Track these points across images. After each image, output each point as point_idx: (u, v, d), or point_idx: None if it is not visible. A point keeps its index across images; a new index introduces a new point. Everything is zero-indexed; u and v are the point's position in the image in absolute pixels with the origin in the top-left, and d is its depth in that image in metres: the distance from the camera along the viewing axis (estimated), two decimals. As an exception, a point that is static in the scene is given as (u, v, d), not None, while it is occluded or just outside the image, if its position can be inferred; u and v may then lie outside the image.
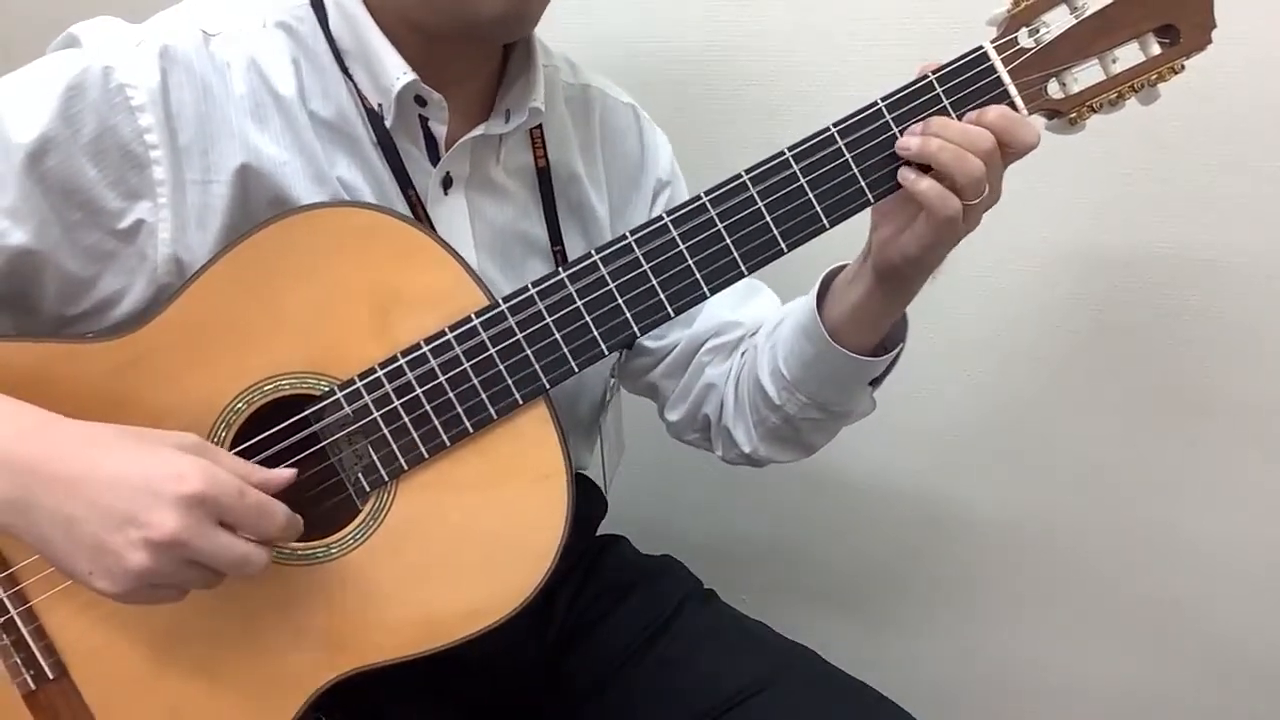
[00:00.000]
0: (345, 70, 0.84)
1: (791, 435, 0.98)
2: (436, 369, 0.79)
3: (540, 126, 0.92)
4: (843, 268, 0.90)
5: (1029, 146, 0.78)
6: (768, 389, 0.95)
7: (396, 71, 0.82)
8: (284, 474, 0.76)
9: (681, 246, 0.79)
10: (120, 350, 0.78)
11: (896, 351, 0.92)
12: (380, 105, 0.84)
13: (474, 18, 0.80)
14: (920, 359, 1.24)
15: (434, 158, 0.88)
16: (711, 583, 1.08)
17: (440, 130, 0.86)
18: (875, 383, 0.94)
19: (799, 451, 1.01)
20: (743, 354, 1.00)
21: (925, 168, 0.78)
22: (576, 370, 0.80)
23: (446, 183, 0.88)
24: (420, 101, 0.84)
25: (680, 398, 1.05)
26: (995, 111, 0.77)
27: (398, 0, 0.82)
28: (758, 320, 1.01)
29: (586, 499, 1.11)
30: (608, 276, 0.79)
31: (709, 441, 1.05)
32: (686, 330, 1.02)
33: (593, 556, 1.08)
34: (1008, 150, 0.78)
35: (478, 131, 0.87)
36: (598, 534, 1.12)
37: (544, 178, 0.93)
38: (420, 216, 0.86)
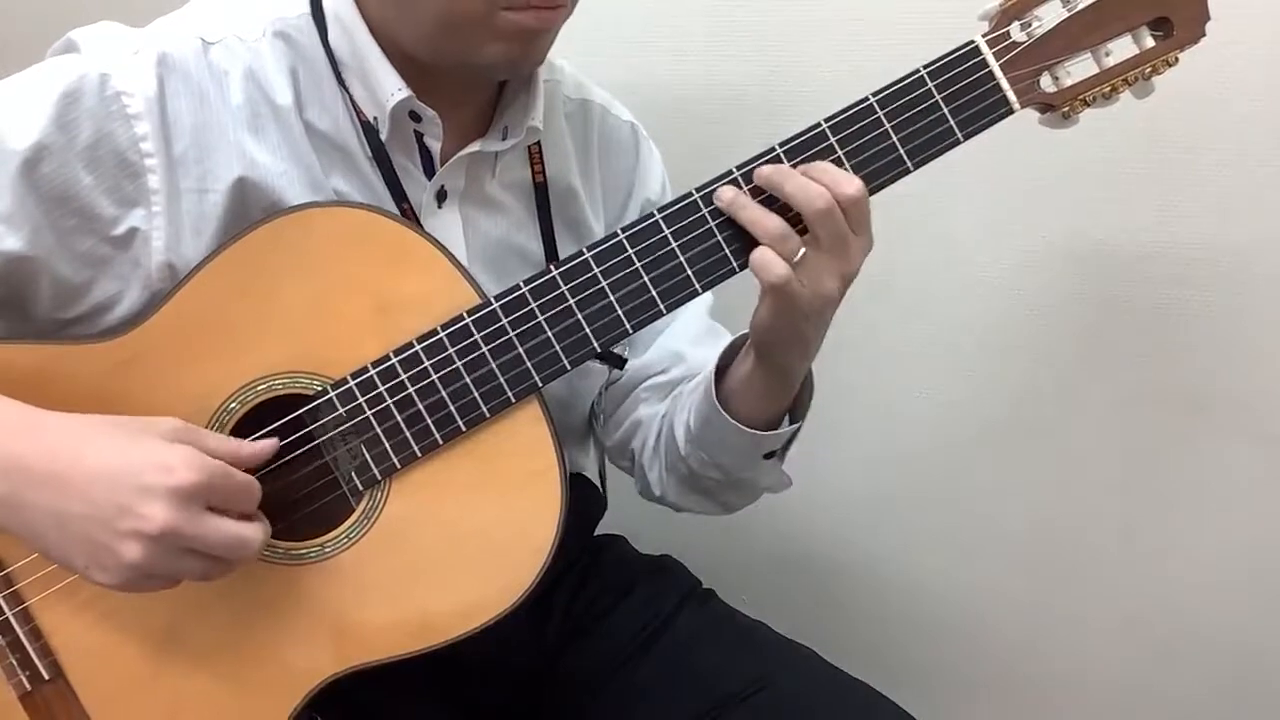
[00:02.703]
0: (342, 83, 0.84)
1: (699, 488, 0.98)
2: (429, 368, 0.79)
3: (539, 142, 0.92)
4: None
5: (849, 198, 0.77)
6: (678, 439, 0.95)
7: (392, 88, 0.82)
8: (268, 444, 0.77)
9: (673, 244, 0.79)
10: (114, 351, 0.78)
11: (792, 430, 0.91)
12: (375, 119, 0.84)
13: (478, 63, 0.80)
14: (917, 359, 1.24)
15: (429, 172, 0.88)
16: (711, 583, 1.08)
17: (435, 146, 0.86)
18: (779, 455, 0.94)
19: (712, 505, 1.00)
20: (674, 397, 1.00)
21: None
22: (569, 368, 0.80)
23: (441, 196, 0.88)
24: (415, 118, 0.85)
25: (615, 425, 1.04)
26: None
27: (400, 35, 0.82)
28: (705, 363, 0.98)
29: (585, 499, 1.11)
30: (600, 274, 0.79)
31: (634, 474, 1.06)
32: (637, 360, 1.01)
33: (591, 556, 1.08)
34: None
35: (474, 148, 0.87)
36: (596, 534, 1.12)
37: (541, 193, 0.93)
38: None
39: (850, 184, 0.76)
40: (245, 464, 0.75)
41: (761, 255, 0.77)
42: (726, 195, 0.78)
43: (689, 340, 1.01)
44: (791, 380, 0.87)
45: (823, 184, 0.76)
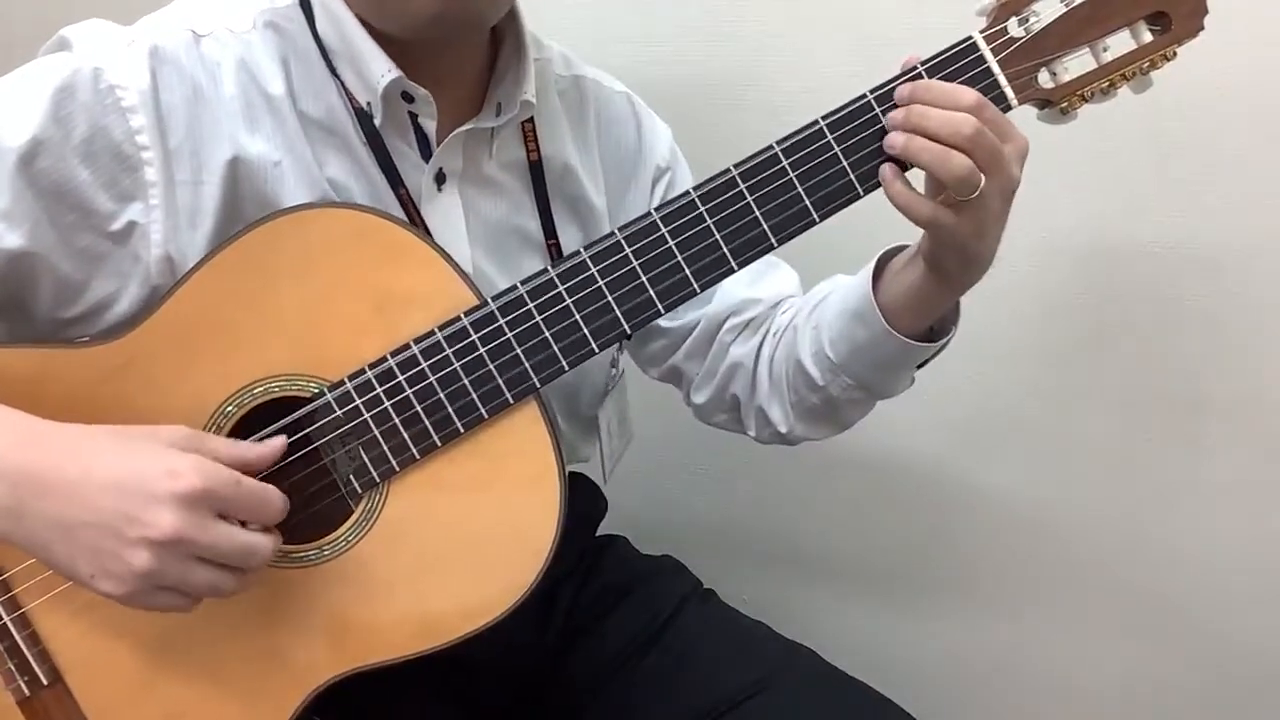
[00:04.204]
0: (333, 70, 0.84)
1: (829, 414, 0.97)
2: (427, 369, 0.78)
3: (532, 120, 0.92)
4: (898, 250, 0.89)
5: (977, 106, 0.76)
6: (810, 370, 0.94)
7: (381, 69, 0.82)
8: (275, 443, 0.77)
9: (671, 243, 0.79)
10: (110, 355, 0.78)
11: (948, 337, 0.91)
12: (369, 104, 0.84)
13: (411, 20, 0.80)
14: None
15: (426, 154, 0.88)
16: (711, 583, 1.08)
17: (430, 126, 0.86)
18: (921, 364, 0.94)
19: (834, 428, 1.00)
20: (774, 333, 1.00)
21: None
22: (567, 369, 0.80)
23: (440, 179, 0.88)
24: (408, 98, 0.84)
25: (706, 379, 1.04)
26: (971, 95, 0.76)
27: (357, 9, 0.82)
28: (776, 295, 1.01)
29: (586, 499, 1.11)
30: (597, 275, 0.79)
31: (739, 422, 1.05)
32: (704, 309, 1.01)
33: (593, 556, 1.08)
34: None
35: (469, 125, 0.87)
36: (598, 534, 1.12)
37: (536, 172, 0.93)
38: (412, 214, 0.86)
39: (968, 95, 0.76)
40: (254, 466, 0.75)
41: (906, 196, 0.77)
42: (899, 140, 0.77)
43: (747, 283, 1.00)
44: (958, 292, 0.86)
45: (958, 107, 0.75)
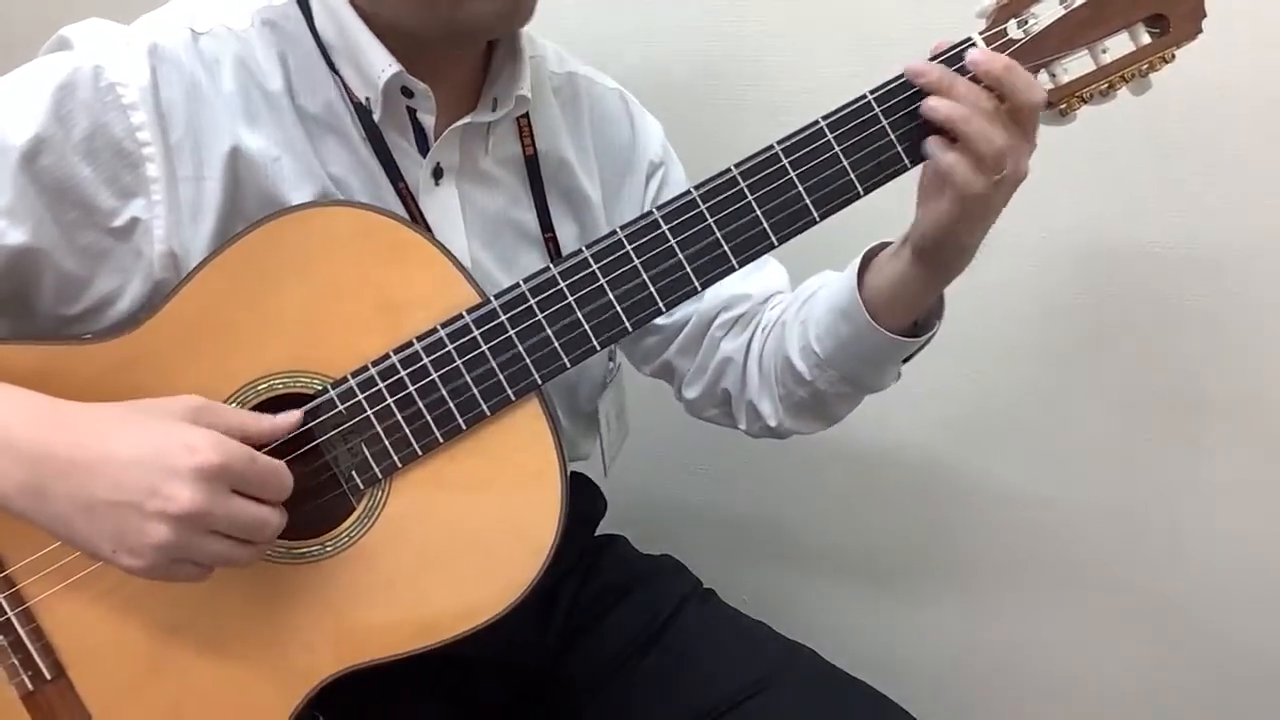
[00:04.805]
0: (332, 66, 0.84)
1: (817, 408, 0.98)
2: (429, 366, 0.79)
3: (527, 115, 0.93)
4: (882, 246, 0.89)
5: (1031, 104, 0.76)
6: (797, 365, 0.94)
7: (382, 64, 0.83)
8: (290, 418, 0.77)
9: (672, 241, 0.79)
10: (114, 352, 0.78)
11: (932, 332, 0.91)
12: (368, 99, 0.85)
13: (469, 24, 0.80)
14: (916, 360, 1.24)
15: (423, 149, 0.88)
16: (711, 583, 1.08)
17: (428, 121, 0.87)
18: (906, 359, 0.94)
19: (823, 422, 1.01)
20: (763, 328, 1.00)
21: (950, 139, 0.77)
22: (569, 366, 0.80)
23: (437, 173, 0.89)
24: (407, 93, 0.85)
25: (697, 374, 1.04)
26: (1001, 63, 0.76)
27: (387, 10, 0.82)
28: (766, 290, 1.02)
29: (586, 499, 1.12)
30: (599, 272, 0.79)
31: (730, 416, 1.05)
32: (697, 305, 1.02)
33: (592, 556, 1.08)
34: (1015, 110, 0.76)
35: (465, 120, 0.88)
36: (597, 534, 1.12)
37: (532, 166, 0.94)
38: (411, 208, 0.87)
39: (1038, 90, 0.76)
40: (265, 438, 0.76)
41: (965, 171, 0.76)
42: (942, 109, 0.76)
43: (739, 277, 0.97)
44: (944, 283, 0.86)
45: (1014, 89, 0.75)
